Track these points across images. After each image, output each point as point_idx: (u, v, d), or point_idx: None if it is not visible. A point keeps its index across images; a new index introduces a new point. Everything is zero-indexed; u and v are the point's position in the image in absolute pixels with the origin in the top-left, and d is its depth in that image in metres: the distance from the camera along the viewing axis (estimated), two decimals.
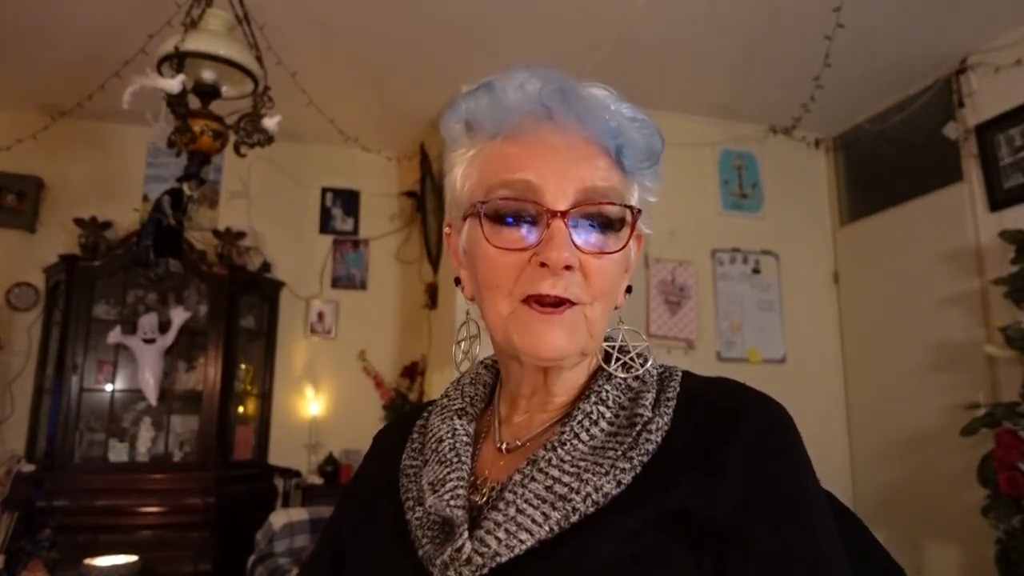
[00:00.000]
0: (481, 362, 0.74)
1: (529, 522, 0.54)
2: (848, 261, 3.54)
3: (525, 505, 0.55)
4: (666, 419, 0.58)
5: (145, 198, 3.70)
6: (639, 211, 0.61)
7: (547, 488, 0.56)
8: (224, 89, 2.30)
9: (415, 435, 0.71)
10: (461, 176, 0.64)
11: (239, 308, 3.57)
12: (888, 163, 3.38)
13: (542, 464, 0.57)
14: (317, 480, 3.67)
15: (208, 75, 2.22)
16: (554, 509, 0.54)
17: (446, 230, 0.70)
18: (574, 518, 0.54)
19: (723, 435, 0.56)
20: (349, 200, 4.11)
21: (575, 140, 0.59)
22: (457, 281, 0.68)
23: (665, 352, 3.21)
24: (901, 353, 3.13)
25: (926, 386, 2.97)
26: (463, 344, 0.70)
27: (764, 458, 0.55)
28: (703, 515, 0.52)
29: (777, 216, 3.54)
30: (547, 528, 0.53)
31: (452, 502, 0.58)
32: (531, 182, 0.58)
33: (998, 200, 2.75)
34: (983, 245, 2.79)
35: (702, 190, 3.46)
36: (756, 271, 3.46)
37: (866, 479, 3.32)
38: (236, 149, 2.30)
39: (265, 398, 3.77)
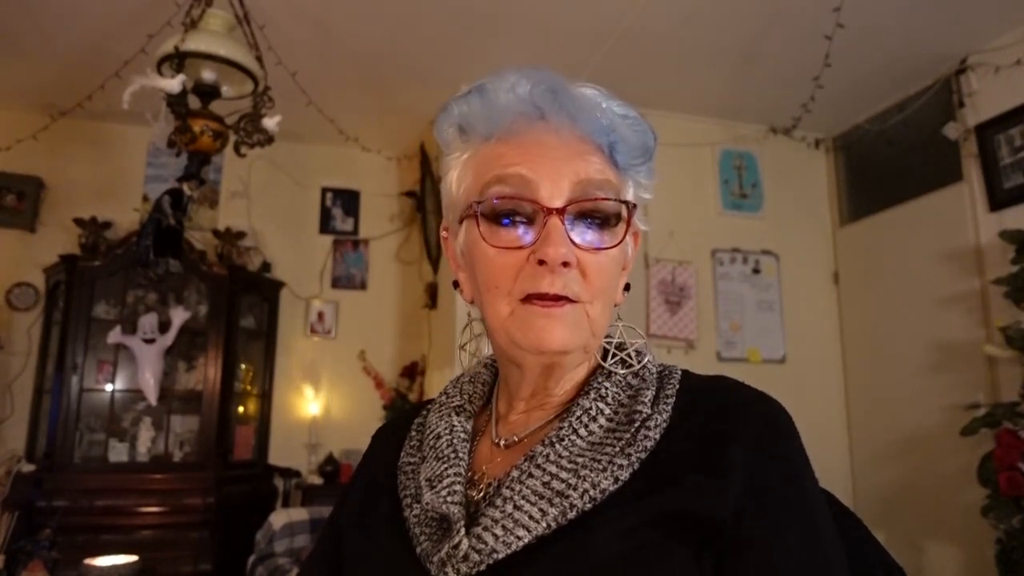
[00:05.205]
0: (480, 361, 0.74)
1: (526, 519, 0.54)
2: (848, 261, 3.54)
3: (522, 501, 0.55)
4: (665, 416, 0.58)
5: (145, 198, 3.70)
6: (635, 205, 0.61)
7: (544, 484, 0.55)
8: (224, 89, 2.30)
9: (413, 432, 0.71)
10: (456, 179, 0.65)
11: (239, 308, 3.57)
12: (888, 163, 3.38)
13: (539, 460, 0.57)
14: (317, 480, 3.67)
15: (208, 75, 2.22)
16: (551, 505, 0.54)
17: (443, 234, 0.70)
18: (571, 515, 0.53)
19: (723, 435, 0.56)
20: (349, 200, 4.11)
21: (567, 138, 0.59)
22: (456, 284, 0.68)
23: (665, 352, 3.21)
24: (901, 353, 3.13)
25: (926, 386, 2.97)
26: (468, 346, 0.70)
27: (764, 459, 0.55)
28: (702, 515, 0.52)
29: (777, 216, 3.54)
30: (544, 525, 0.53)
31: (449, 498, 0.58)
32: (525, 176, 0.58)
33: (998, 200, 2.75)
34: (983, 245, 2.79)
35: (702, 190, 3.46)
36: (756, 271, 3.46)
37: (866, 479, 3.32)
38: (236, 149, 2.30)
39: (265, 398, 3.77)
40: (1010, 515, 2.31)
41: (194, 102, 2.23)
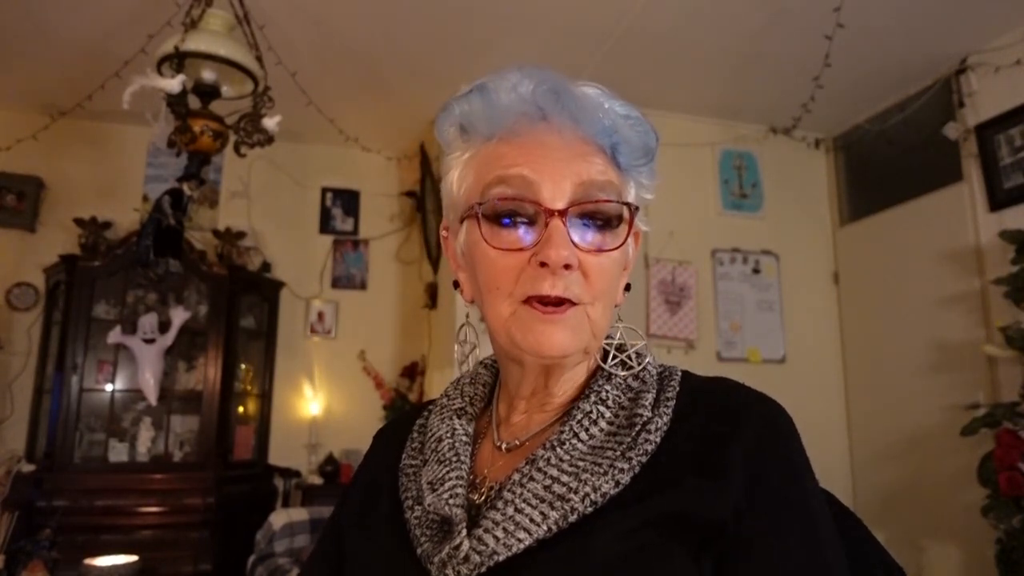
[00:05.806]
0: (481, 362, 0.74)
1: (527, 521, 0.54)
2: (848, 261, 3.54)
3: (523, 504, 0.55)
4: (665, 419, 0.58)
5: (145, 198, 3.70)
6: (636, 207, 0.61)
7: (546, 488, 0.56)
8: (224, 89, 2.30)
9: (415, 434, 0.71)
10: (457, 179, 0.64)
11: (239, 308, 3.57)
12: (888, 163, 3.38)
13: (541, 464, 0.57)
14: (317, 480, 3.67)
15: (208, 75, 2.22)
16: (552, 509, 0.54)
17: (443, 233, 0.70)
18: (572, 518, 0.54)
19: (723, 436, 0.56)
20: (349, 200, 4.11)
21: (570, 138, 0.59)
22: (456, 284, 0.68)
23: (665, 352, 3.21)
24: (901, 353, 3.13)
25: (926, 386, 2.97)
26: (465, 346, 0.70)
27: (764, 460, 0.55)
28: (703, 517, 0.52)
29: (777, 216, 3.54)
30: (545, 528, 0.53)
31: (451, 501, 0.58)
32: (527, 177, 0.58)
33: (998, 200, 2.75)
34: (983, 245, 2.79)
35: (702, 190, 3.46)
36: (756, 271, 3.46)
37: (866, 479, 3.32)
38: (236, 149, 2.30)
39: (265, 398, 3.77)
40: (1010, 515, 2.31)
41: (194, 102, 2.23)
